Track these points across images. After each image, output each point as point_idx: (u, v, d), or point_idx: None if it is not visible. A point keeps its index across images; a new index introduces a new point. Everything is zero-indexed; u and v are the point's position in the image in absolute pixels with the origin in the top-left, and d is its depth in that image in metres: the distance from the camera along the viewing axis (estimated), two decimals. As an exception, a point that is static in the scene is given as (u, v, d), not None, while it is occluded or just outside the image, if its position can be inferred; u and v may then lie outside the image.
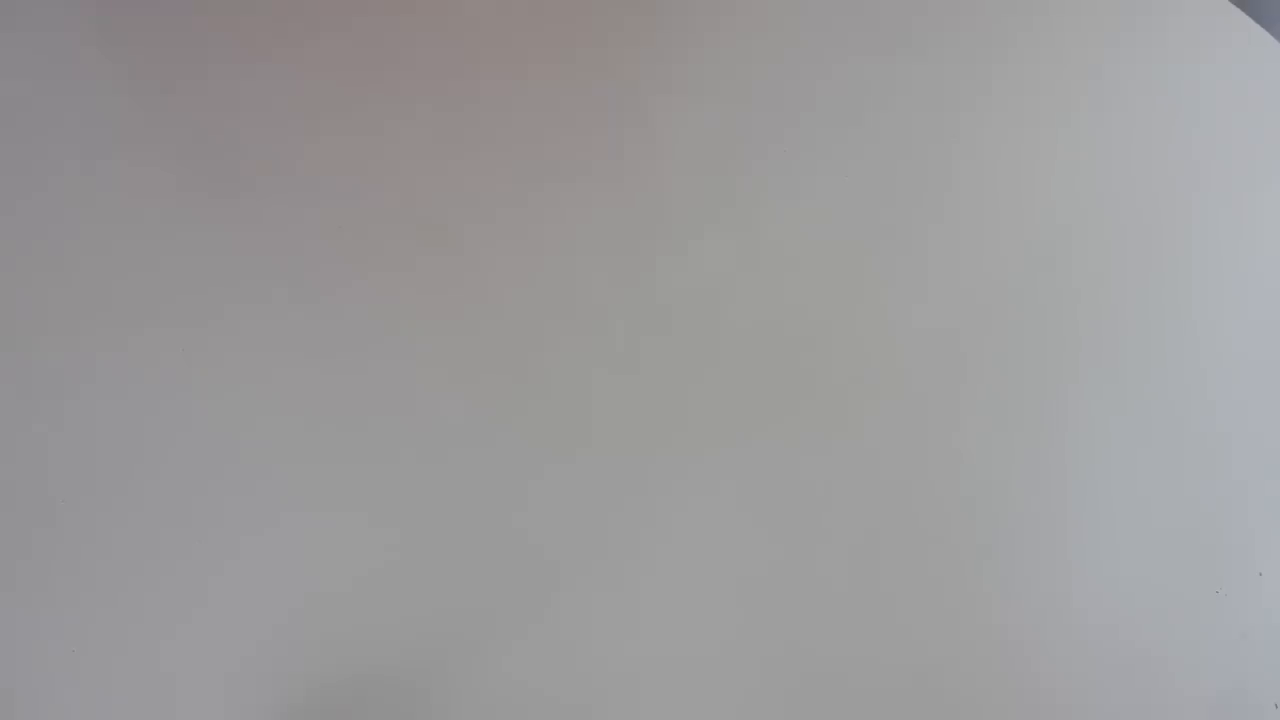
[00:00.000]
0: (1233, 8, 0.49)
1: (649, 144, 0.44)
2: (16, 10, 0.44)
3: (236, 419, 0.37)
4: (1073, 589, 0.37)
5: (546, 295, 0.40)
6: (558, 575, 0.35)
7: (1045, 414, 0.39)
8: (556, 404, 0.38)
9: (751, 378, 0.39)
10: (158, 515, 0.35)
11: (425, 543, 0.35)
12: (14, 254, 0.39)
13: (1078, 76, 0.47)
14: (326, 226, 0.40)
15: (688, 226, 0.42)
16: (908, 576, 0.36)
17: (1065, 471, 0.38)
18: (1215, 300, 0.43)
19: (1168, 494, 0.38)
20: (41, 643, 0.33)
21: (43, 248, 0.39)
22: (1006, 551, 0.37)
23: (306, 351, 0.38)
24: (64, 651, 0.33)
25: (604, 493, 0.37)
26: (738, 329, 0.40)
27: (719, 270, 0.41)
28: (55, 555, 0.34)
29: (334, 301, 0.39)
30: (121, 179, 0.41)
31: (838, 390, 0.39)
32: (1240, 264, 0.43)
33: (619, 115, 0.44)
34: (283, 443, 0.36)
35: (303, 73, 0.43)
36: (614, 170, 0.43)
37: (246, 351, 0.38)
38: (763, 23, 0.47)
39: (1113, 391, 0.40)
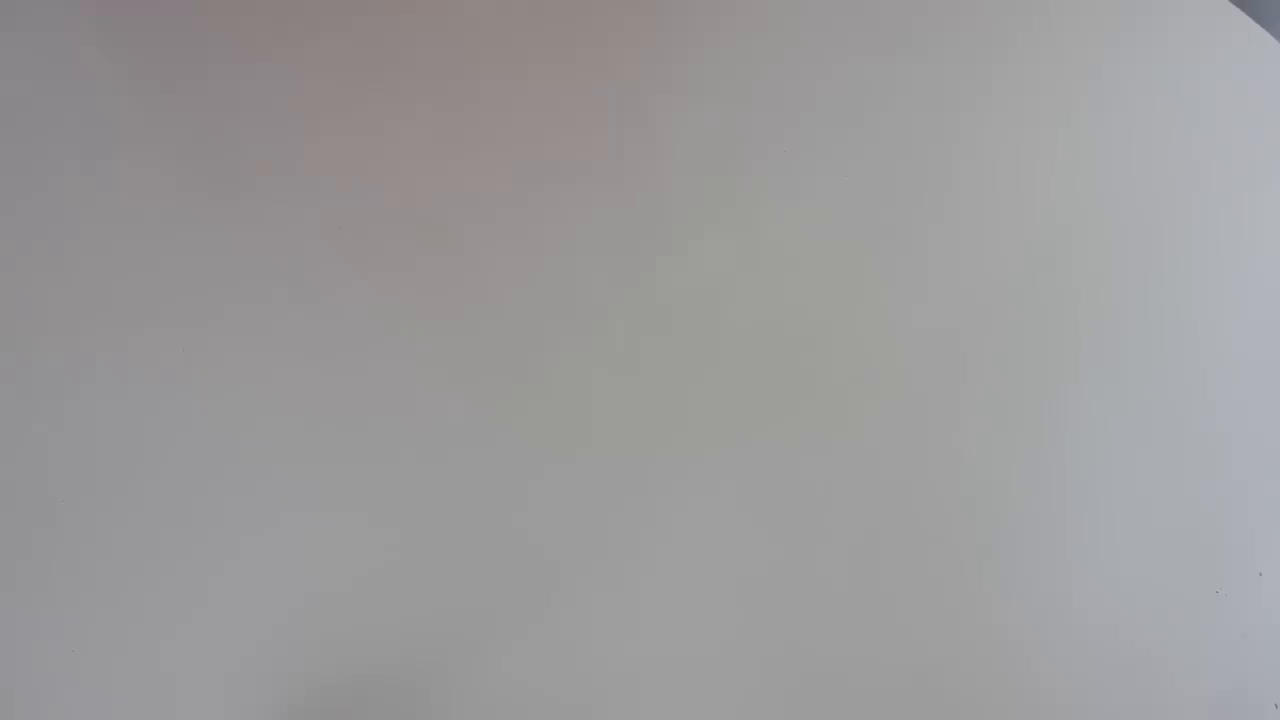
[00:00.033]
0: (1233, 8, 0.49)
1: (649, 144, 0.44)
2: (16, 10, 0.44)
3: (236, 419, 0.37)
4: (1073, 589, 0.37)
5: (546, 295, 0.40)
6: (558, 575, 0.35)
7: (1045, 414, 0.39)
8: (556, 404, 0.38)
9: (751, 378, 0.39)
10: (158, 515, 0.35)
11: (425, 543, 0.35)
12: (14, 254, 0.39)
13: (1078, 76, 0.47)
14: (326, 226, 0.40)
15: (688, 226, 0.42)
16: (908, 576, 0.36)
17: (1065, 471, 0.38)
18: (1215, 300, 0.43)
19: (1168, 494, 0.38)
20: (41, 643, 0.33)
21: (43, 248, 0.39)
22: (1006, 551, 0.37)
23: (306, 351, 0.38)
24: (64, 651, 0.33)
25: (604, 493, 0.37)
26: (738, 329, 0.40)
27: (719, 270, 0.41)
28: (55, 555, 0.34)
29: (334, 301, 0.39)
30: (121, 179, 0.41)
31: (838, 390, 0.39)
32: (1240, 264, 0.43)
33: (619, 115, 0.44)
34: (283, 443, 0.36)
35: (303, 73, 0.43)
36: (614, 170, 0.43)
37: (246, 351, 0.38)
38: (763, 23, 0.47)
39: (1113, 391, 0.40)
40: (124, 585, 0.34)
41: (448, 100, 0.44)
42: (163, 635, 0.33)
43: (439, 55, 0.45)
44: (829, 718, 0.34)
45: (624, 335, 0.39)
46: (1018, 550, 0.37)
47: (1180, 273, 0.43)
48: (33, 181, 0.40)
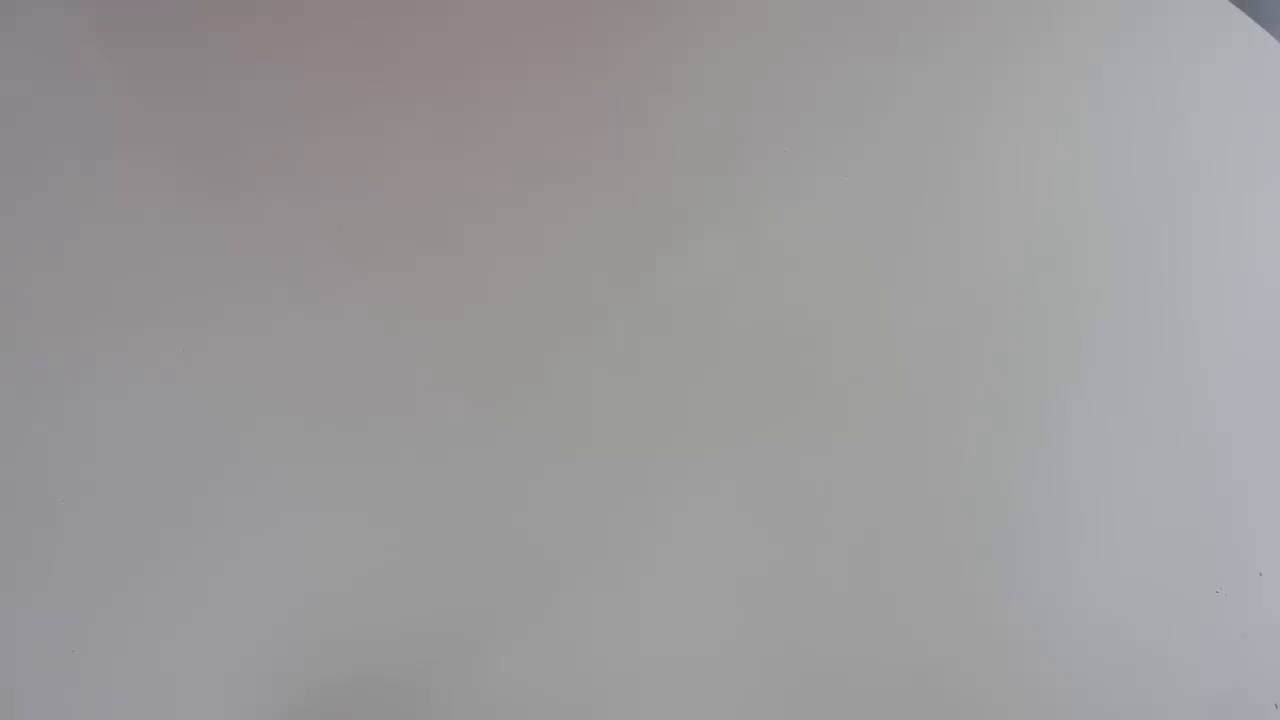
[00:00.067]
0: (1233, 8, 0.49)
1: (649, 144, 0.44)
2: (16, 10, 0.44)
3: (236, 419, 0.37)
4: (1073, 589, 0.37)
5: (546, 295, 0.40)
6: (558, 575, 0.35)
7: (1045, 414, 0.39)
8: (556, 404, 0.38)
9: (751, 378, 0.39)
10: (158, 515, 0.35)
11: (425, 543, 0.35)
12: (14, 254, 0.39)
13: (1078, 76, 0.47)
14: (326, 226, 0.40)
15: (688, 226, 0.42)
16: (908, 576, 0.36)
17: (1065, 471, 0.38)
18: (1215, 300, 0.43)
19: (1168, 494, 0.38)
20: (41, 643, 0.33)
21: (43, 248, 0.39)
22: (1006, 551, 0.37)
23: (306, 351, 0.38)
24: (64, 651, 0.33)
25: (604, 493, 0.37)
26: (738, 329, 0.40)
27: (719, 270, 0.41)
28: (55, 555, 0.34)
29: (334, 301, 0.39)
30: (121, 179, 0.41)
31: (838, 390, 0.39)
32: (1240, 264, 0.43)
33: (619, 115, 0.44)
34: (283, 443, 0.36)
35: (303, 73, 0.43)
36: (614, 170, 0.43)
37: (246, 351, 0.38)
38: (763, 23, 0.47)
39: (1113, 391, 0.40)
40: (124, 585, 0.34)
41: (448, 100, 0.44)
42: (163, 635, 0.33)
43: (439, 55, 0.45)
44: (829, 718, 0.34)
45: (624, 335, 0.39)
46: (1018, 550, 0.37)
47: (1180, 273, 0.43)
48: (33, 181, 0.40)
